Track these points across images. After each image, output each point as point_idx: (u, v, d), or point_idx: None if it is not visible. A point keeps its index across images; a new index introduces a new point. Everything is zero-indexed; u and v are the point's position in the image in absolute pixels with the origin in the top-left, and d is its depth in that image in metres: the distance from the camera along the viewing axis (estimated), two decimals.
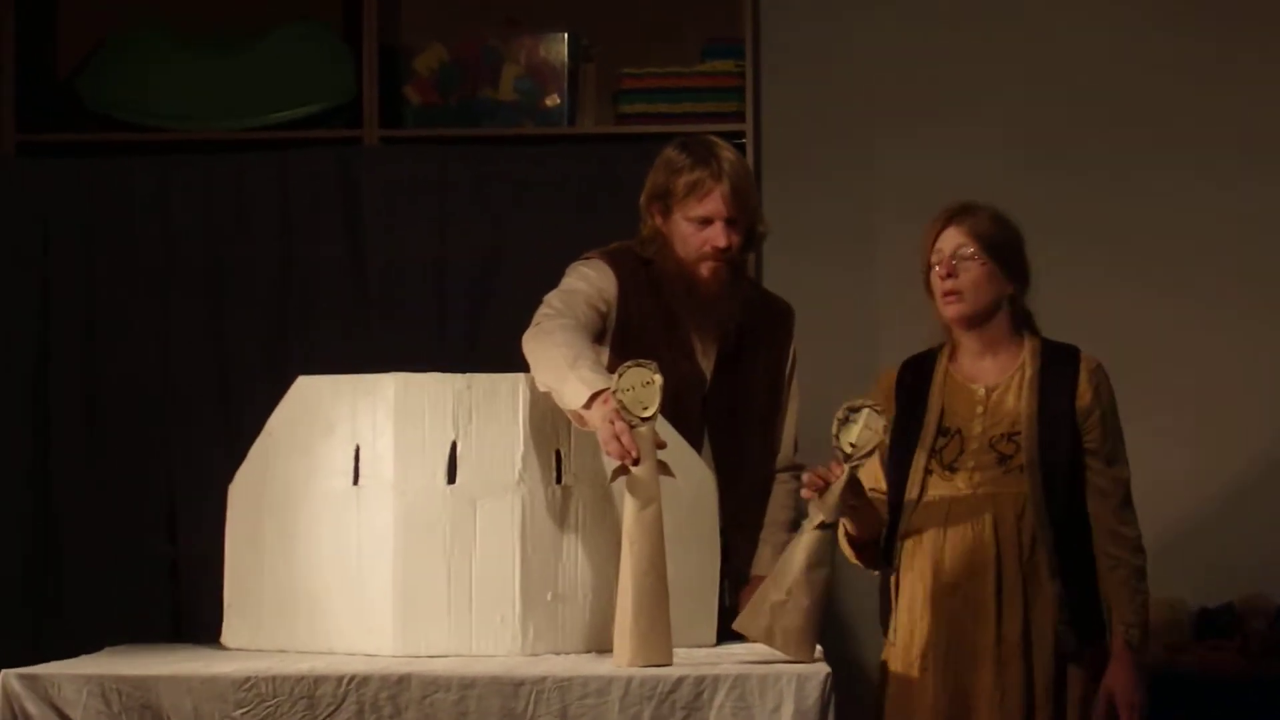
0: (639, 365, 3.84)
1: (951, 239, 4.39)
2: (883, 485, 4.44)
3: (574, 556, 4.00)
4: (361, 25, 5.86)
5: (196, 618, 5.28)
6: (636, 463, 3.79)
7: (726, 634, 4.05)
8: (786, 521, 4.59)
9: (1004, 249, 4.39)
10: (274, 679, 3.64)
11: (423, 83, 5.90)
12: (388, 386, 4.01)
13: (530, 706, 3.60)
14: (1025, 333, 4.45)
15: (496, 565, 3.95)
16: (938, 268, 4.38)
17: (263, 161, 5.82)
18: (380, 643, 3.94)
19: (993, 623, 4.30)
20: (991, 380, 4.42)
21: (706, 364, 4.52)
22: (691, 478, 4.11)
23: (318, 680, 3.63)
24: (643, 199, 4.55)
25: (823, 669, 3.67)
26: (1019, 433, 4.34)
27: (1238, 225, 5.98)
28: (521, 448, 3.99)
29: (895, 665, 4.40)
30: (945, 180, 5.67)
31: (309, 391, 4.13)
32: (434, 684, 3.62)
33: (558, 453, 4.02)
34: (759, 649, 3.90)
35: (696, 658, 3.88)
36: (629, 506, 3.82)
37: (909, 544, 4.37)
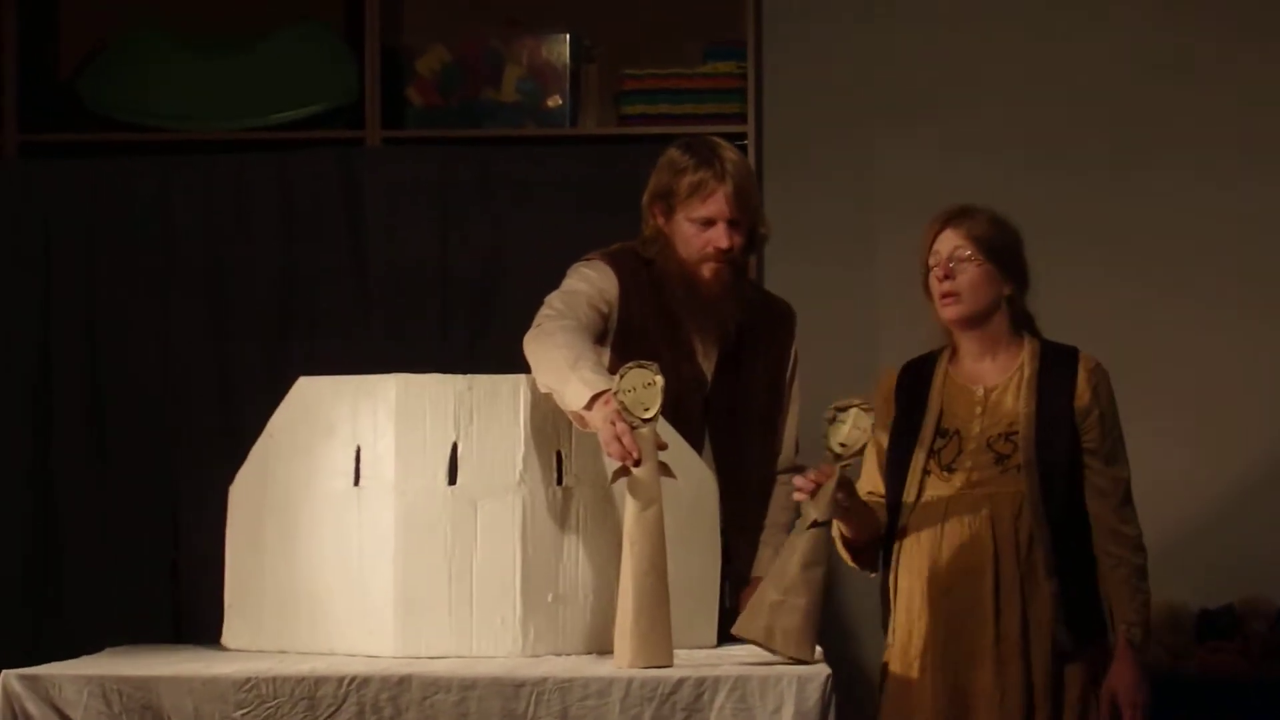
0: (640, 366, 3.84)
1: (949, 241, 4.40)
2: (881, 489, 4.45)
3: (575, 558, 4.00)
4: (363, 26, 5.86)
5: (197, 618, 5.27)
6: (638, 464, 3.79)
7: (727, 635, 4.05)
8: (787, 523, 4.59)
9: (1001, 250, 4.40)
10: (275, 680, 3.64)
11: (424, 84, 5.90)
12: (389, 387, 4.01)
13: (531, 708, 3.60)
14: (1025, 334, 4.46)
15: (497, 566, 3.95)
16: (935, 270, 4.40)
17: (264, 162, 5.83)
18: (381, 644, 3.94)
19: (991, 622, 4.31)
20: (991, 381, 4.42)
21: (708, 365, 4.52)
22: (692, 479, 4.11)
23: (318, 681, 3.63)
24: (645, 199, 4.55)
25: (823, 670, 3.67)
26: (1016, 432, 4.35)
27: (1238, 225, 5.99)
28: (522, 449, 3.99)
29: (894, 665, 4.40)
30: (946, 181, 5.68)
31: (310, 392, 4.13)
32: (434, 685, 3.62)
33: (559, 454, 4.02)
34: (760, 650, 3.90)
35: (697, 659, 3.88)
36: (630, 508, 3.82)
37: (907, 544, 4.38)
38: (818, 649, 3.93)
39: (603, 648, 3.94)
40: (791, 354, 4.66)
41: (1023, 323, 4.47)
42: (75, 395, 5.77)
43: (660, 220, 4.51)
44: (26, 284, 5.80)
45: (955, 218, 4.42)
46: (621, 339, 4.43)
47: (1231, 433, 5.95)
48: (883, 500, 4.44)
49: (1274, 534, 5.88)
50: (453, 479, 3.97)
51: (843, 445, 4.03)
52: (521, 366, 4.09)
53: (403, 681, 3.63)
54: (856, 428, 4.03)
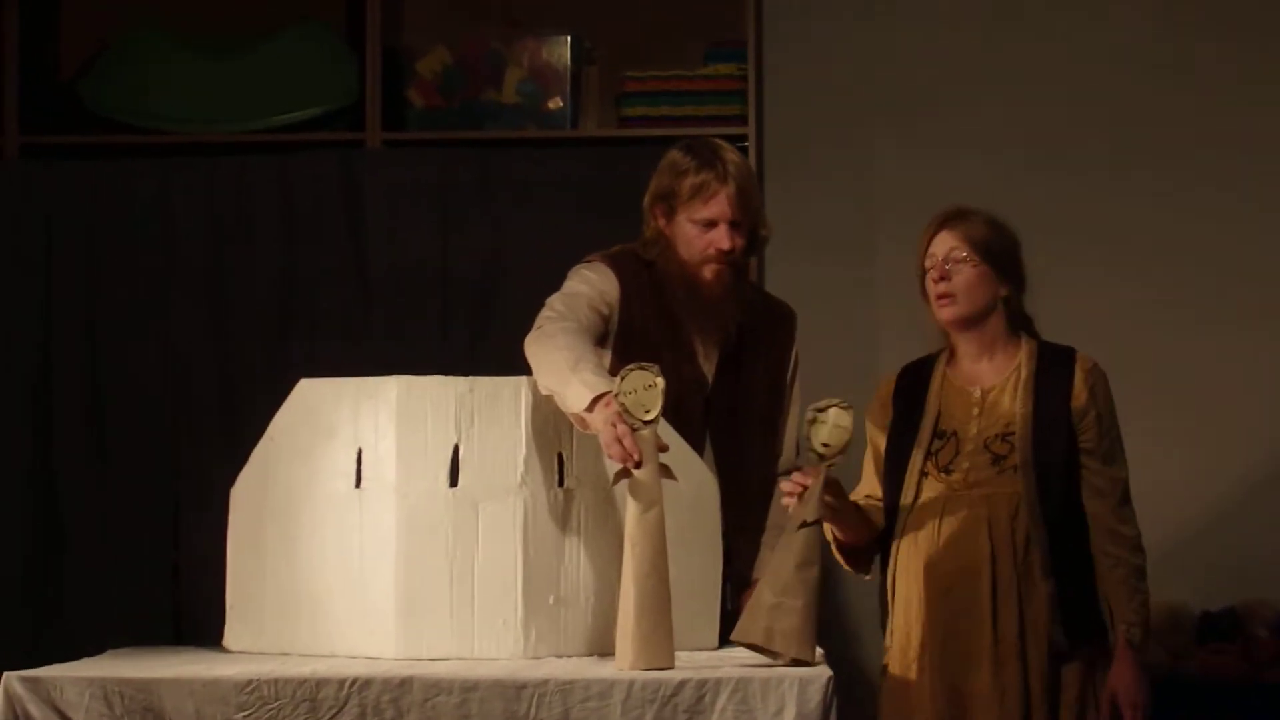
0: (641, 368, 3.84)
1: (944, 243, 4.41)
2: (879, 492, 4.46)
3: (576, 559, 4.01)
4: (364, 27, 5.86)
5: (198, 620, 5.28)
6: (639, 466, 3.80)
7: (728, 637, 4.05)
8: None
9: (998, 252, 4.41)
10: (276, 682, 3.64)
11: (425, 85, 5.91)
12: (390, 389, 4.01)
13: (532, 710, 3.60)
14: (1023, 335, 4.46)
15: (499, 568, 3.95)
16: (931, 271, 4.42)
17: (265, 164, 5.83)
18: (382, 646, 3.94)
19: (988, 623, 4.31)
20: (988, 382, 4.43)
21: (708, 367, 4.53)
22: (693, 480, 4.12)
23: (320, 683, 3.63)
24: (646, 201, 4.55)
25: (825, 672, 3.67)
26: (1013, 433, 4.35)
27: (1237, 226, 5.99)
28: (524, 451, 3.99)
29: (893, 667, 4.41)
30: (947, 183, 5.68)
31: (311, 394, 4.13)
32: (436, 687, 3.62)
33: (560, 456, 4.02)
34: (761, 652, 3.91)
35: (698, 661, 3.88)
36: (631, 509, 3.82)
37: (905, 546, 4.38)
38: (819, 650, 3.94)
39: (604, 649, 3.94)
40: (792, 356, 4.66)
41: (1020, 324, 4.47)
42: (76, 396, 5.77)
43: (661, 222, 4.52)
44: (27, 285, 5.81)
45: (951, 220, 4.44)
46: (622, 341, 4.44)
47: (1232, 434, 5.95)
48: (880, 504, 4.44)
49: (1274, 535, 5.88)
50: (454, 481, 3.97)
51: (826, 445, 4.04)
52: (522, 368, 4.10)
53: (404, 683, 3.63)
54: (838, 426, 4.03)
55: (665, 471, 3.84)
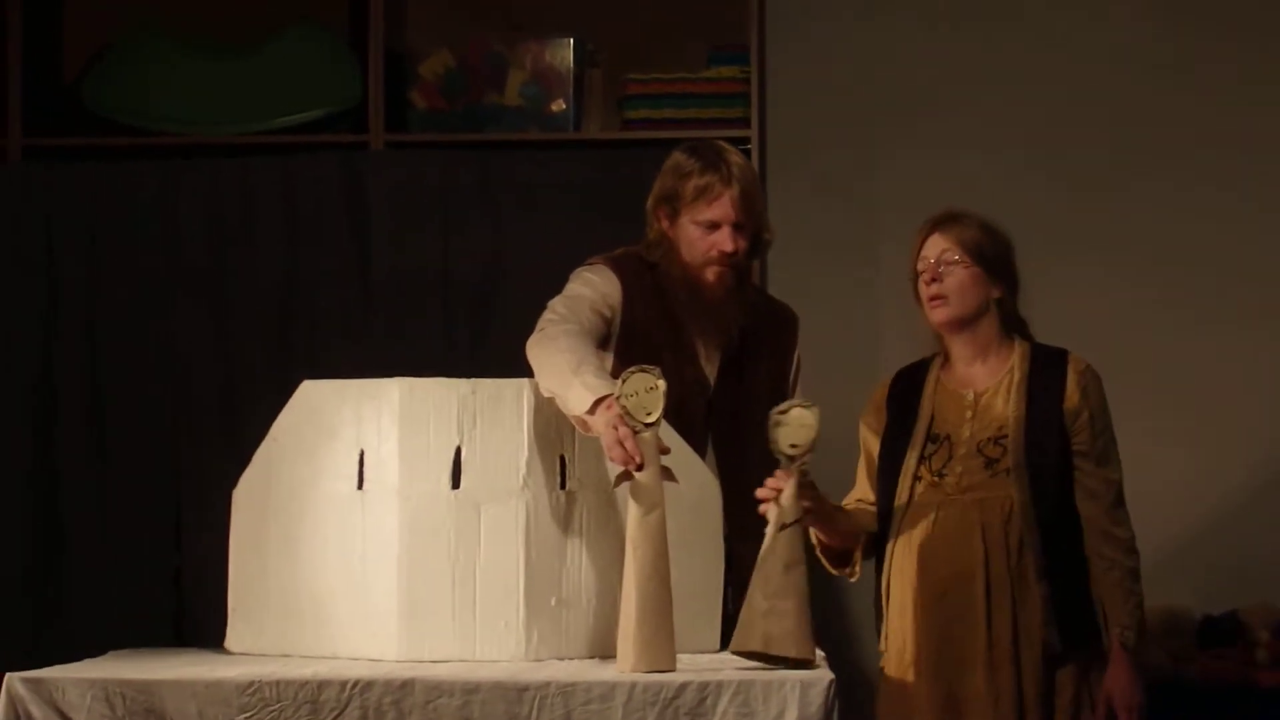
0: (643, 371, 3.84)
1: (936, 245, 4.43)
2: (871, 497, 4.46)
3: (578, 562, 4.01)
4: (367, 30, 5.86)
5: (199, 622, 5.28)
6: (640, 468, 3.80)
7: (730, 640, 4.05)
8: None
9: (989, 254, 4.43)
10: (278, 683, 3.64)
11: (428, 88, 5.91)
12: (392, 391, 4.01)
13: (534, 712, 3.60)
14: (1016, 337, 4.47)
15: (501, 570, 3.95)
16: (924, 274, 4.43)
17: (267, 166, 5.83)
18: (384, 648, 3.94)
19: (983, 627, 4.32)
20: (981, 385, 4.44)
21: (710, 369, 4.53)
22: (695, 483, 4.12)
23: (321, 685, 3.64)
24: (649, 203, 4.55)
25: (826, 675, 3.67)
26: (1006, 436, 4.36)
27: (1237, 226, 5.99)
28: (526, 453, 3.99)
29: (889, 670, 4.41)
30: (949, 185, 5.68)
31: (313, 396, 4.13)
32: (438, 689, 3.63)
33: (562, 458, 4.03)
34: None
35: (700, 663, 3.89)
36: (633, 512, 3.82)
37: (899, 550, 4.39)
38: (819, 652, 3.94)
39: (606, 652, 3.94)
40: (794, 358, 4.66)
41: (1014, 326, 4.48)
42: (77, 397, 5.77)
43: (665, 224, 4.52)
44: (29, 286, 5.81)
45: (943, 222, 4.45)
46: (624, 343, 4.44)
47: (1232, 435, 5.95)
48: (872, 508, 4.45)
49: (1276, 537, 5.88)
50: (456, 483, 3.98)
51: (794, 445, 4.03)
52: (524, 370, 4.10)
53: (406, 685, 3.63)
54: (802, 425, 4.03)
55: (667, 474, 3.85)
